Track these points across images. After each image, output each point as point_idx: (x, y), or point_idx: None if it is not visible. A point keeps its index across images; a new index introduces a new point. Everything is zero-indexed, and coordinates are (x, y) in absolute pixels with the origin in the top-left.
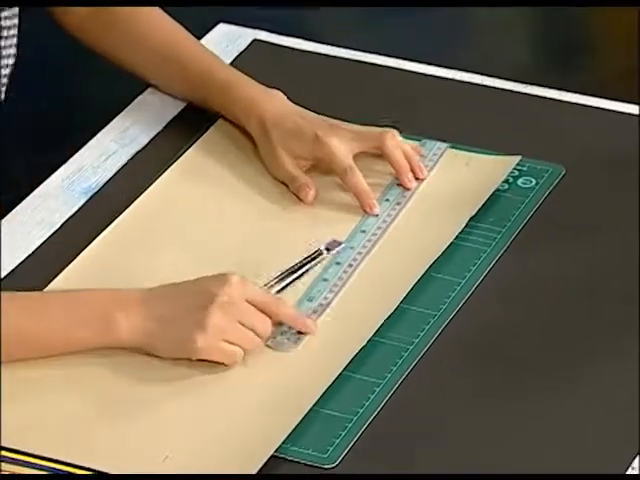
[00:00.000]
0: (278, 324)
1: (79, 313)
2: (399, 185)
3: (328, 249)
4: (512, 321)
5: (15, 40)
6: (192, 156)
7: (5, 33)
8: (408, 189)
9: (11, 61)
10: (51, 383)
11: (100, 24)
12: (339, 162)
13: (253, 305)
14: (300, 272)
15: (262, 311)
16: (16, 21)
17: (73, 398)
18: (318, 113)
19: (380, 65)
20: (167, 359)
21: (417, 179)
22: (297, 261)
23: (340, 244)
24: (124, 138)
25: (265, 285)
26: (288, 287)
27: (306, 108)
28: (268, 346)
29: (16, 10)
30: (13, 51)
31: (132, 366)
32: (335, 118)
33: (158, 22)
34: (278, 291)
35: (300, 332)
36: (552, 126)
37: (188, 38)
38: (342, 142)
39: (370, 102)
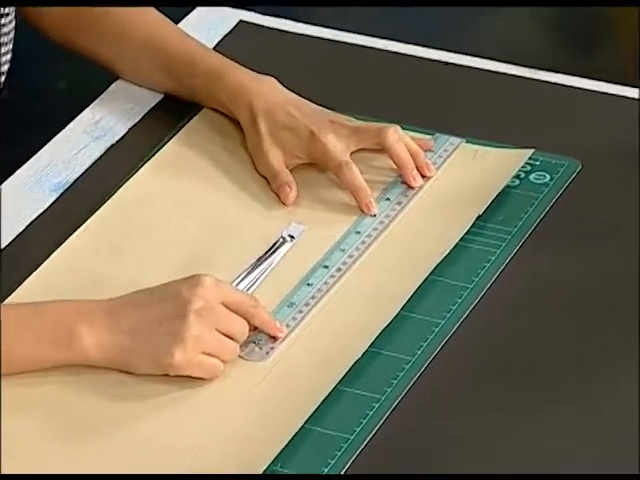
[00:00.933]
0: (254, 329)
1: (41, 328)
2: (403, 183)
3: (291, 236)
4: (523, 331)
5: (12, 35)
6: (172, 149)
7: (5, 29)
8: (413, 188)
9: (9, 56)
10: (13, 403)
11: (76, 22)
12: (334, 158)
13: (229, 307)
14: (264, 265)
15: (238, 313)
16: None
17: (37, 420)
18: (314, 102)
19: (380, 49)
20: (140, 375)
21: (424, 177)
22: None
23: (302, 228)
24: (97, 130)
25: (232, 282)
26: (266, 288)
27: (300, 96)
28: (239, 356)
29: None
30: (11, 46)
31: (101, 384)
32: (330, 107)
33: (137, 14)
34: (248, 289)
35: (274, 341)
36: (568, 116)
37: (169, 27)
38: (339, 139)
39: (368, 89)
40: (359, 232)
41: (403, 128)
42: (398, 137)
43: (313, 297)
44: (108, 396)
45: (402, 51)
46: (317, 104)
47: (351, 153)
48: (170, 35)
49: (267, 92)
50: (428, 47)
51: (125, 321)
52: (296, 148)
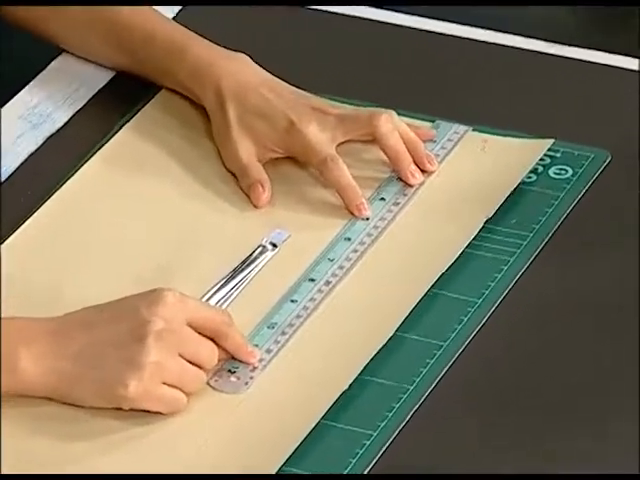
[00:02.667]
0: (225, 354)
1: None
2: (400, 180)
3: (274, 244)
4: (540, 354)
5: None
6: (123, 140)
7: None
8: (411, 185)
9: None
10: None
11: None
12: (316, 152)
13: (196, 329)
14: (240, 277)
15: (207, 335)
16: None
17: None
18: (291, 84)
19: (373, 20)
20: (88, 409)
21: (424, 172)
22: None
23: (286, 235)
24: (34, 115)
25: (202, 298)
26: (242, 306)
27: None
28: (209, 385)
29: None
30: None
31: (43, 419)
32: (310, 89)
33: None
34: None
35: (254, 369)
36: (595, 99)
37: None
38: (323, 129)
39: (357, 67)
40: (350, 239)
41: (399, 114)
42: (392, 126)
43: (298, 316)
44: (52, 434)
45: (398, 22)
46: (296, 85)
47: (337, 146)
48: (123, 5)
49: (237, 71)
50: (429, 18)
51: (71, 344)
52: (270, 140)
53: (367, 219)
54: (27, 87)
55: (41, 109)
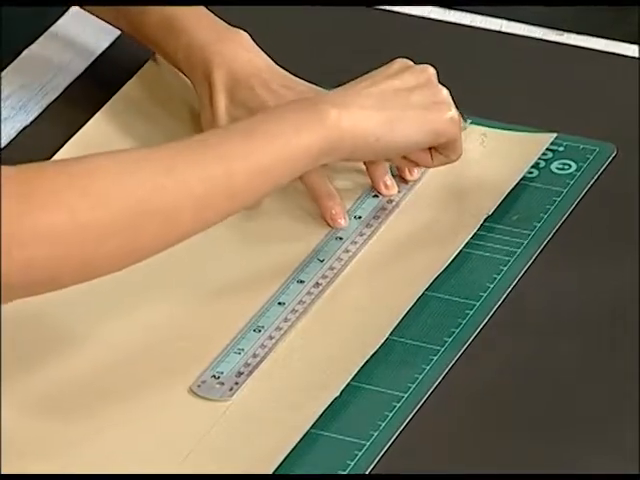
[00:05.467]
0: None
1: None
2: (394, 175)
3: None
4: (541, 357)
5: None
6: (97, 125)
7: None
8: (406, 181)
9: None
10: None
11: None
12: None
13: None
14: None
15: None
16: None
17: None
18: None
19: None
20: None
21: (405, 181)
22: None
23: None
24: (5, 109)
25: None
26: (229, 307)
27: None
28: (193, 392)
29: None
30: None
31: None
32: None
33: None
34: None
35: (239, 375)
36: (600, 90)
37: None
38: None
39: (345, 53)
40: (341, 238)
41: None
42: None
43: (286, 319)
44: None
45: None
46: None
47: None
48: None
49: (232, 58)
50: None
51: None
52: None
53: (359, 217)
54: None
55: (13, 101)
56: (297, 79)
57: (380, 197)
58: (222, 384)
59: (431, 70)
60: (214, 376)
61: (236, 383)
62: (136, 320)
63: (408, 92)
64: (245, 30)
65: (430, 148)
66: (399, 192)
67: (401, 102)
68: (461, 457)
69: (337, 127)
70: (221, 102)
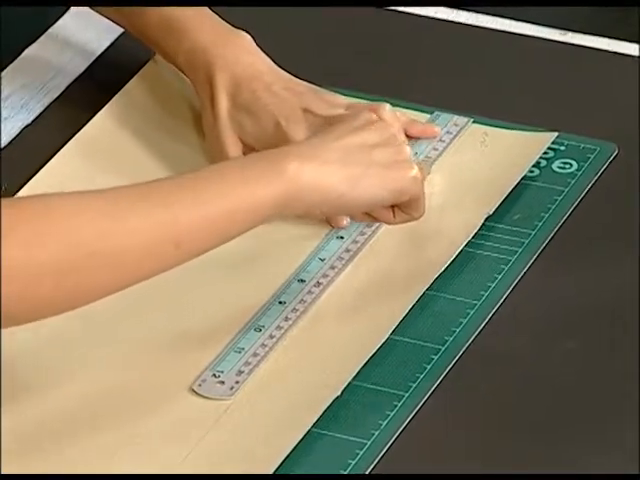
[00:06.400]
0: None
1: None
2: None
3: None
4: (546, 362)
5: None
6: (99, 125)
7: None
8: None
9: None
10: None
11: None
12: None
13: None
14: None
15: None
16: None
17: None
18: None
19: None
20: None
21: None
22: None
23: None
24: (6, 109)
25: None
26: (229, 307)
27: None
28: (193, 391)
29: None
30: None
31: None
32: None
33: None
34: None
35: (239, 373)
36: (602, 89)
37: None
38: (309, 132)
39: (349, 52)
40: (342, 237)
41: (394, 104)
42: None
43: (287, 318)
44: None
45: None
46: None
47: None
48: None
49: (234, 60)
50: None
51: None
52: (257, 140)
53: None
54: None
55: (14, 100)
56: (299, 81)
57: None
58: (222, 383)
59: (395, 127)
60: (214, 375)
61: (236, 382)
62: (137, 319)
63: (371, 149)
64: (249, 31)
65: (393, 205)
66: None
67: (365, 159)
68: (461, 456)
69: (296, 180)
70: (223, 105)
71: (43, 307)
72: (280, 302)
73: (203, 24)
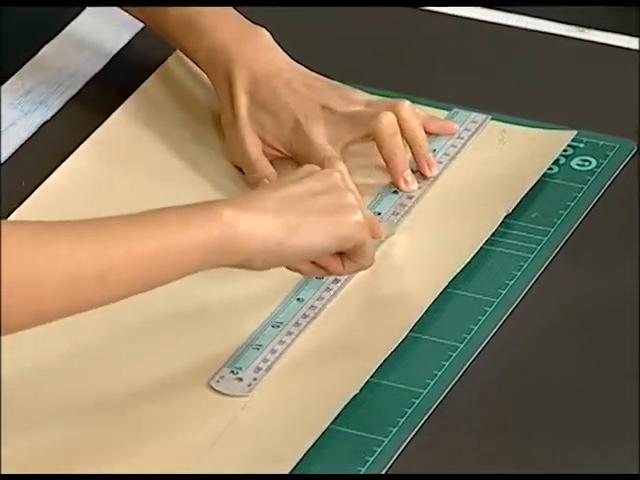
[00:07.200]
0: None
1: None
2: (414, 171)
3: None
4: (560, 356)
5: None
6: (118, 121)
7: None
8: (426, 177)
9: None
10: None
11: None
12: (316, 152)
13: None
14: None
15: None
16: None
17: None
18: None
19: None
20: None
21: (425, 177)
22: None
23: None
24: (26, 103)
25: None
26: (245, 304)
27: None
28: (211, 387)
29: None
30: None
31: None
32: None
33: None
34: None
35: (258, 370)
36: (621, 86)
37: None
38: (328, 129)
39: (366, 48)
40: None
41: (414, 101)
42: (393, 129)
43: (305, 315)
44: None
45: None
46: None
47: (348, 145)
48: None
49: (253, 58)
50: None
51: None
52: (276, 137)
53: (379, 214)
54: (19, 72)
55: (34, 95)
56: (318, 76)
57: (400, 193)
58: (240, 380)
59: (336, 174)
60: (232, 372)
61: (254, 379)
62: (156, 316)
63: (312, 196)
64: (270, 31)
65: (342, 254)
66: (419, 188)
67: (303, 206)
68: (479, 454)
69: (231, 227)
70: (242, 103)
71: None
72: (298, 299)
73: (223, 21)
